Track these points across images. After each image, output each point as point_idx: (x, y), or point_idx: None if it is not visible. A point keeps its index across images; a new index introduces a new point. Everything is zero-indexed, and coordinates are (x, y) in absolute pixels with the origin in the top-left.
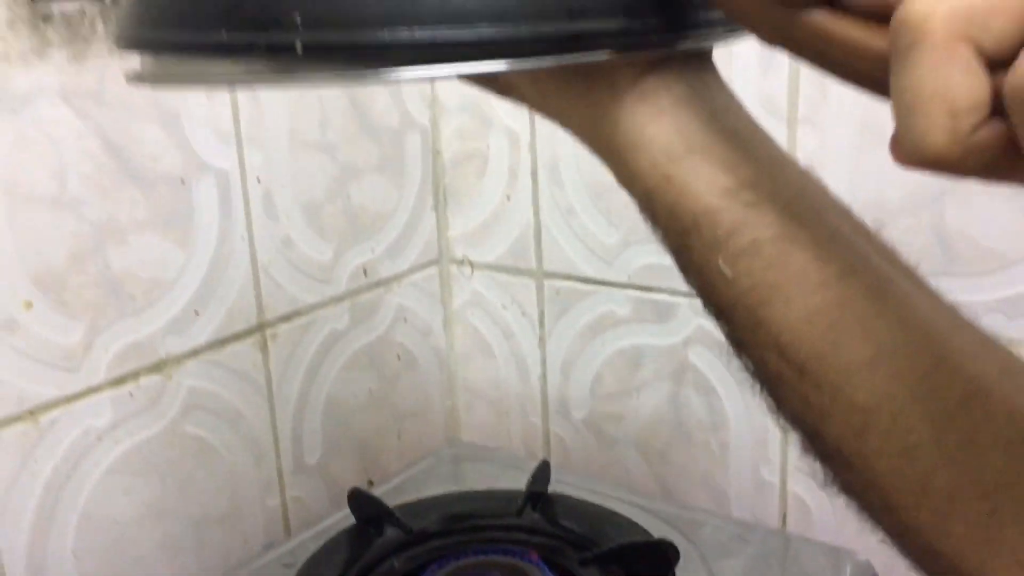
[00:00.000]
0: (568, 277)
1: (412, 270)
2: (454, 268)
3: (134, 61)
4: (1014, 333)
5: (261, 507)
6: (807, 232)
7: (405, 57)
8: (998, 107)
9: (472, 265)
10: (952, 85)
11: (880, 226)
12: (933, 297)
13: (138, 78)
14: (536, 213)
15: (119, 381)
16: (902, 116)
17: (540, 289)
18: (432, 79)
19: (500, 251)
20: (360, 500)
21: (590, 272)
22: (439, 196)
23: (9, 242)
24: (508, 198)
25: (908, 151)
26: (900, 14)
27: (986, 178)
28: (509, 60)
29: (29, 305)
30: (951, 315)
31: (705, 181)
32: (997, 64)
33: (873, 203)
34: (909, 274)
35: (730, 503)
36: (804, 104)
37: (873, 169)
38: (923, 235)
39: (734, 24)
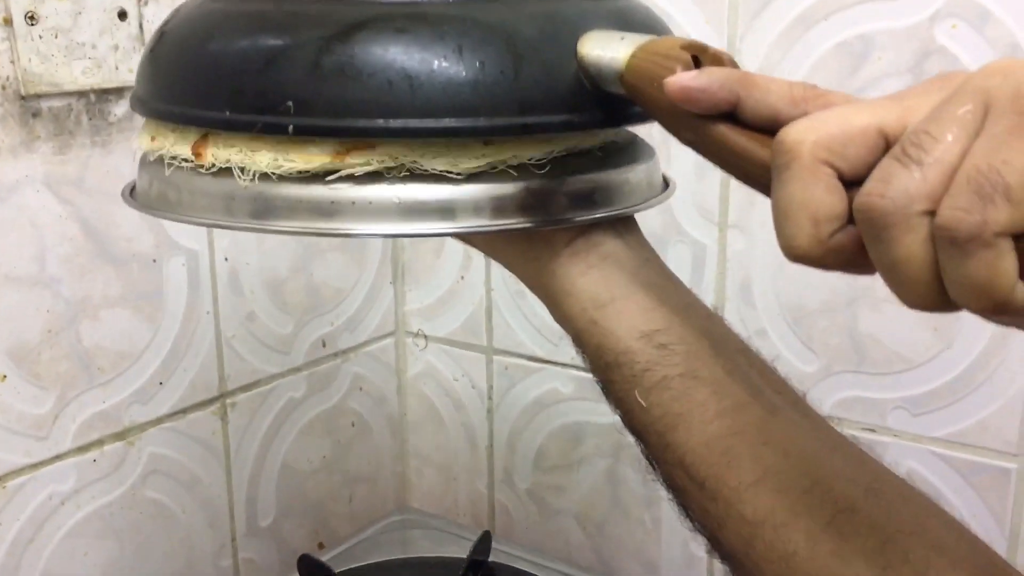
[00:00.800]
0: (516, 354)
1: (369, 341)
2: (409, 340)
3: (130, 180)
4: (917, 429)
5: (214, 568)
6: (708, 369)
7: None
8: (852, 216)
9: (426, 338)
10: (815, 199)
11: (801, 325)
12: (815, 422)
13: (132, 202)
14: (488, 293)
15: (84, 448)
16: (778, 220)
17: (490, 364)
18: (396, 237)
19: (453, 326)
20: (309, 565)
21: (537, 351)
22: (397, 272)
23: None
24: (462, 278)
25: (782, 248)
26: (779, 137)
27: (842, 271)
28: (464, 226)
29: (3, 378)
30: (829, 438)
31: (625, 326)
32: (852, 182)
33: (794, 304)
34: (796, 402)
35: (661, 575)
36: (734, 210)
37: (795, 273)
38: (838, 336)
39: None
